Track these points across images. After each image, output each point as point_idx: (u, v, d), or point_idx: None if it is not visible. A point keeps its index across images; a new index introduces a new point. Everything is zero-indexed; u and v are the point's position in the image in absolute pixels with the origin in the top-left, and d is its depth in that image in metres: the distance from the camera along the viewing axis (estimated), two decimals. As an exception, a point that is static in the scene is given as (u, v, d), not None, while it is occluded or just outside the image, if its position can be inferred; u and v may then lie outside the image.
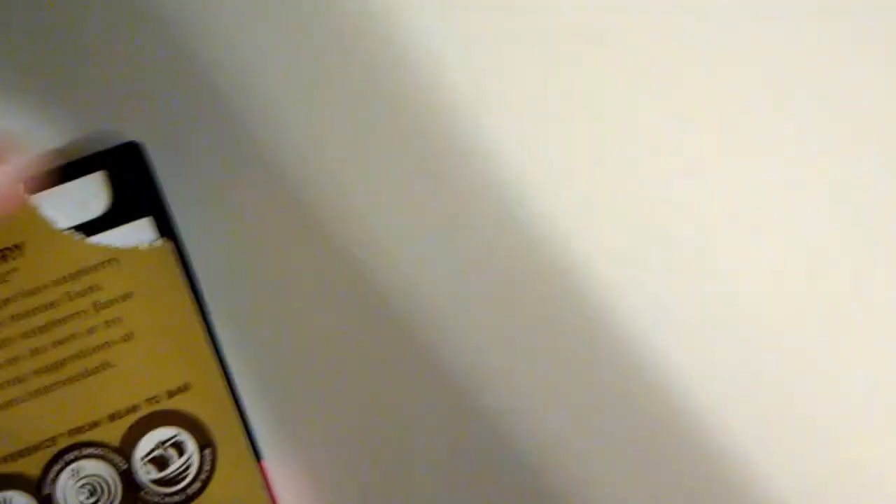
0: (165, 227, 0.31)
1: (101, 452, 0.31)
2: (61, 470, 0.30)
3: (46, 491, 0.30)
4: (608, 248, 0.33)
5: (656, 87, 0.34)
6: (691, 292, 0.33)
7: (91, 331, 0.31)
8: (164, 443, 0.31)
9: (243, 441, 0.31)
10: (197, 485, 0.31)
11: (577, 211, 0.34)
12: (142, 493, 0.30)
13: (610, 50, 0.34)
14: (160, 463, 0.31)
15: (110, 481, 0.30)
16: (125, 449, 0.31)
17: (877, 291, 0.34)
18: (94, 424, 0.31)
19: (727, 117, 0.34)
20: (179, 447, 0.31)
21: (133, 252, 0.31)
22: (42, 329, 0.31)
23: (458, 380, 0.33)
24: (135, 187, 0.31)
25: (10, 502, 0.30)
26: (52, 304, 0.31)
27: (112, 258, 0.31)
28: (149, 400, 0.31)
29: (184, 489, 0.31)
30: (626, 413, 0.33)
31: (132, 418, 0.31)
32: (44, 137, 0.32)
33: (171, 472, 0.31)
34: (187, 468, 0.31)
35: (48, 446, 0.30)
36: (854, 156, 0.34)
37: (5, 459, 0.30)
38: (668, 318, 0.33)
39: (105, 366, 0.31)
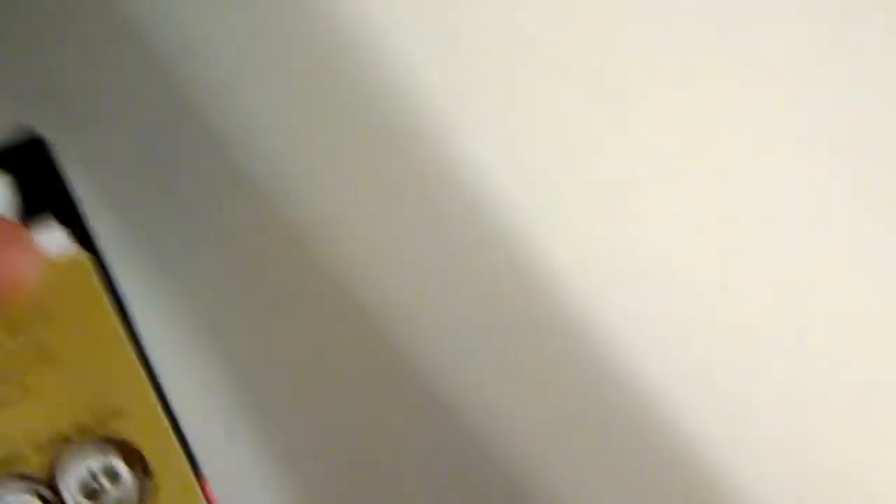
0: (83, 238, 0.28)
1: (28, 486, 0.28)
2: (-16, 509, 0.28)
3: (-32, 533, 0.28)
4: (601, 249, 0.33)
5: (647, 88, 0.34)
6: (689, 292, 0.33)
7: (6, 356, 0.28)
8: (96, 472, 0.28)
9: (184, 464, 0.29)
10: None
11: (561, 216, 0.33)
12: (75, 527, 0.28)
13: (599, 54, 0.34)
14: (93, 493, 0.28)
15: (39, 518, 0.28)
16: (54, 481, 0.28)
17: (877, 291, 0.33)
18: (18, 457, 0.28)
19: (716, 126, 0.34)
20: (113, 475, 0.29)
21: (47, 266, 0.28)
22: None
23: (446, 385, 0.32)
24: (43, 191, 0.28)
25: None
26: None
27: (25, 274, 0.28)
28: (76, 427, 0.28)
29: (121, 520, 0.28)
30: (624, 415, 0.32)
31: (60, 448, 0.28)
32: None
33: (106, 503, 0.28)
34: (123, 497, 0.29)
35: (-33, 484, 0.28)
36: (854, 156, 0.34)
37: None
38: (666, 318, 0.33)
39: (24, 393, 0.28)
